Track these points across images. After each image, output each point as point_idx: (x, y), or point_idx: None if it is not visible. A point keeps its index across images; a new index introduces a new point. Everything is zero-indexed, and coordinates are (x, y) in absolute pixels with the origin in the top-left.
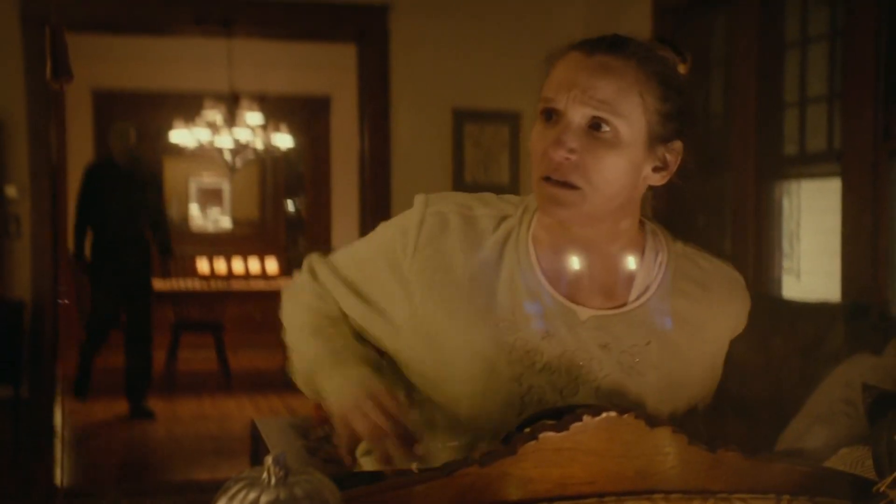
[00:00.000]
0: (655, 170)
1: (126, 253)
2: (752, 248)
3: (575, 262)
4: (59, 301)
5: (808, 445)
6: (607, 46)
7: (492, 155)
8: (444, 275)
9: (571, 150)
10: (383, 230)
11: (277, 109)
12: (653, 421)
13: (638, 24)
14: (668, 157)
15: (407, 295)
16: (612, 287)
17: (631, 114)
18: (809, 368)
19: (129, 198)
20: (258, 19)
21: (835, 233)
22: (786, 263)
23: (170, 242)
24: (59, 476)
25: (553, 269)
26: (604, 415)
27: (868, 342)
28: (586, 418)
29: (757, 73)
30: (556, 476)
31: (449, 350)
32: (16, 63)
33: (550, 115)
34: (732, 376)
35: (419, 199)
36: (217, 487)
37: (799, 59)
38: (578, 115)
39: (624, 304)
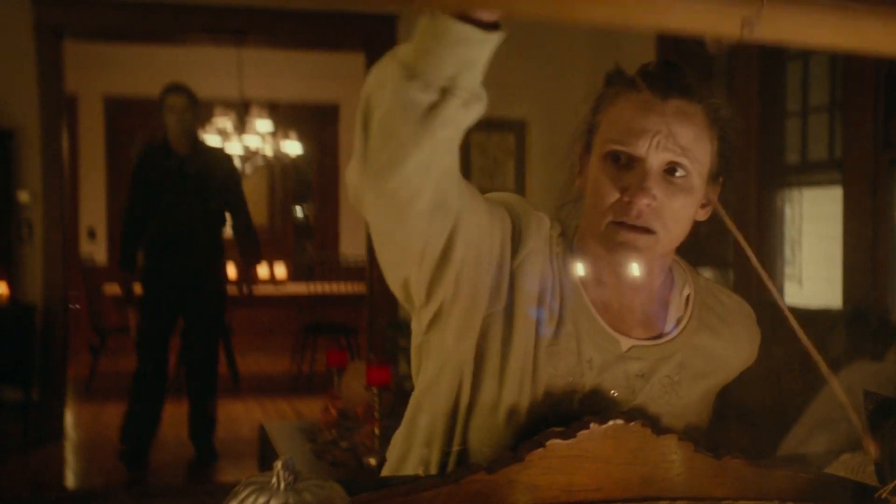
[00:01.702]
0: (702, 206)
1: (192, 268)
2: (754, 255)
3: (623, 295)
4: (70, 305)
5: (809, 451)
6: (679, 91)
7: (498, 162)
8: (534, 280)
9: (654, 197)
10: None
11: (287, 117)
12: (659, 429)
13: (641, 36)
14: (712, 193)
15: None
16: (649, 318)
17: (703, 158)
18: (810, 374)
19: (193, 194)
20: (268, 28)
21: (836, 240)
22: (788, 270)
23: (259, 249)
24: (69, 478)
25: (599, 298)
26: (610, 422)
27: (869, 348)
28: (593, 426)
29: (759, 84)
30: (563, 483)
31: (492, 367)
32: (29, 71)
33: (619, 158)
34: (734, 383)
35: (514, 199)
36: (226, 491)
37: (801, 70)
38: (658, 160)
39: (660, 335)
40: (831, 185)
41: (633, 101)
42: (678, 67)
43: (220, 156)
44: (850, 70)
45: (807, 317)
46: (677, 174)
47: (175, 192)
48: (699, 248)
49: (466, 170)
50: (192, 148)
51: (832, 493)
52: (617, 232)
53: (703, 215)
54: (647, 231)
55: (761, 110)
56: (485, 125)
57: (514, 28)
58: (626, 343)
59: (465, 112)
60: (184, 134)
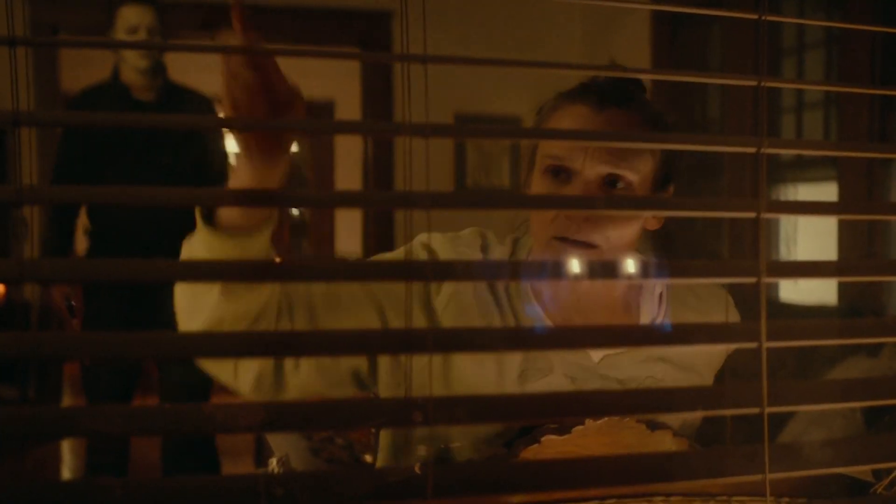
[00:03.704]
0: (653, 215)
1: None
2: (749, 251)
3: (585, 310)
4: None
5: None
6: (616, 101)
7: (493, 159)
8: (468, 318)
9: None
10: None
11: None
12: (653, 424)
13: (636, 34)
14: None
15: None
16: (618, 324)
17: (643, 168)
18: (806, 371)
19: (158, 161)
20: (263, 25)
21: (831, 236)
22: None
23: None
24: (65, 476)
25: (561, 316)
26: (605, 418)
27: (864, 345)
28: (588, 421)
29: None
30: None
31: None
32: (25, 68)
33: (558, 173)
34: (728, 379)
35: (431, 237)
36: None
37: (796, 66)
38: (595, 172)
39: None
40: (827, 182)
41: (569, 113)
42: (620, 78)
43: (201, 106)
44: (845, 66)
45: (802, 313)
46: (619, 186)
47: (131, 159)
48: (695, 242)
49: (461, 167)
50: (160, 92)
51: (828, 489)
52: (558, 247)
53: (654, 224)
54: (589, 245)
55: (755, 106)
56: (481, 122)
57: (508, 28)
58: (597, 355)
59: (229, 299)
60: (147, 70)
